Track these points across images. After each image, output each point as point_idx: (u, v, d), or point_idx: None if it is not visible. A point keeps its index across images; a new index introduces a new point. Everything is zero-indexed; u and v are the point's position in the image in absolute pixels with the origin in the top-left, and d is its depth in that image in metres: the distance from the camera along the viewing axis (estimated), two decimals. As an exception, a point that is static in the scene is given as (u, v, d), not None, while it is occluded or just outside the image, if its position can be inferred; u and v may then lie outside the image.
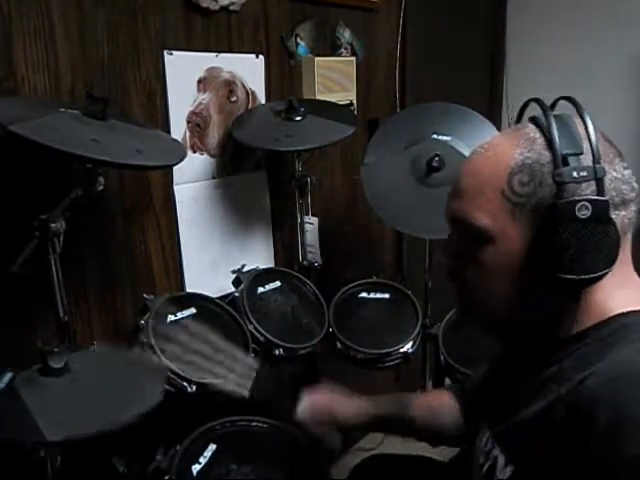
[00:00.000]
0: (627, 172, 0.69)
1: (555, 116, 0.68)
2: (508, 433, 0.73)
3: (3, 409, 0.90)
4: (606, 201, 0.64)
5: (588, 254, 0.64)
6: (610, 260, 0.65)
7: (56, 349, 0.96)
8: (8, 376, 0.94)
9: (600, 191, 0.64)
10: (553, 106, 0.73)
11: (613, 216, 0.65)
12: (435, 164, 1.53)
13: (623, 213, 0.67)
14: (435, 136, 1.61)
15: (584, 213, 0.63)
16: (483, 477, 0.74)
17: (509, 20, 2.80)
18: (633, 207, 0.69)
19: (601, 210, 0.63)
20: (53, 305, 1.12)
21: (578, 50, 2.58)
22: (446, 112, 1.66)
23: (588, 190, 0.65)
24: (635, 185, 0.69)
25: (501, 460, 0.71)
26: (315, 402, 1.10)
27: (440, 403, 1.09)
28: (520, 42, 2.77)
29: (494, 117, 2.75)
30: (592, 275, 0.64)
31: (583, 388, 0.61)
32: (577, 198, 0.63)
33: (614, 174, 0.67)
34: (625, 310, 0.68)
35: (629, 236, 0.70)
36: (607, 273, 0.65)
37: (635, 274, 0.73)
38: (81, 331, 1.33)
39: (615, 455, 0.56)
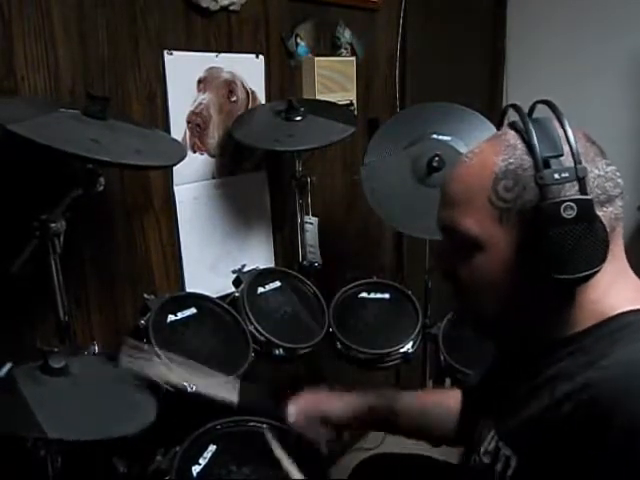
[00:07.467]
0: (610, 169, 0.69)
1: (533, 120, 0.69)
2: (515, 432, 0.74)
3: (2, 402, 0.90)
4: (590, 199, 0.65)
5: (577, 253, 0.64)
6: (600, 257, 0.65)
7: (56, 349, 0.96)
8: (7, 366, 0.94)
9: (583, 190, 0.65)
10: (532, 110, 0.74)
11: (600, 213, 0.65)
12: (435, 164, 1.53)
13: (610, 209, 0.68)
14: (435, 136, 1.62)
15: (569, 213, 0.64)
16: (498, 478, 0.75)
17: (509, 20, 2.80)
18: (619, 203, 0.70)
19: (586, 208, 0.64)
20: (53, 305, 1.12)
21: (578, 50, 2.59)
22: (446, 112, 1.66)
23: (572, 190, 0.65)
24: (619, 181, 0.70)
25: (513, 460, 0.72)
26: (302, 403, 1.12)
27: (436, 401, 1.09)
28: (520, 42, 2.78)
29: (494, 117, 2.74)
30: (583, 273, 0.65)
31: (595, 386, 0.61)
32: (561, 199, 0.64)
33: (597, 172, 0.68)
34: (625, 309, 0.68)
35: (619, 231, 0.71)
36: (598, 270, 0.65)
37: (629, 269, 0.74)
38: (81, 331, 1.33)
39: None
